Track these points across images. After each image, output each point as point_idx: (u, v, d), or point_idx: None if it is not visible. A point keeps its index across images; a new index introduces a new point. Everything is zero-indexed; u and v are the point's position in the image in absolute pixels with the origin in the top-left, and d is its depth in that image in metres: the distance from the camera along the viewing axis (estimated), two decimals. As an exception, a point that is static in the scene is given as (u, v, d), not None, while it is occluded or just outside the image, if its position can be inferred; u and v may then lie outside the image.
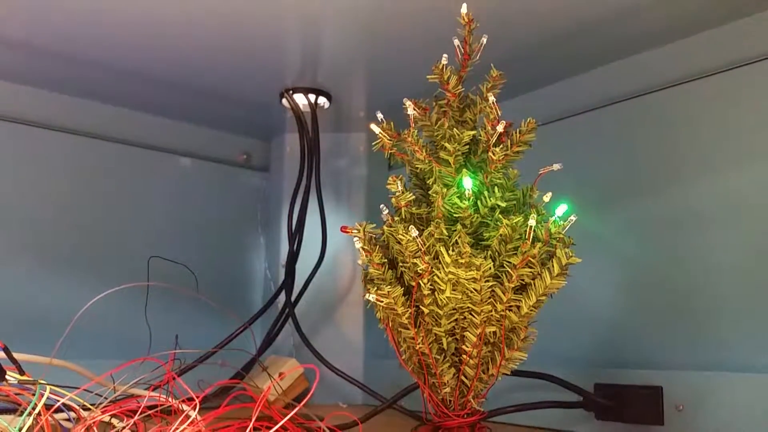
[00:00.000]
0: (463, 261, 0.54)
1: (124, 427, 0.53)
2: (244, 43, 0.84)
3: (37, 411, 0.46)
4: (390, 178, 0.59)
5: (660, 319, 0.78)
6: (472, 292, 0.54)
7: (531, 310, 0.56)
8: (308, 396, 0.53)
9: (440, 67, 0.60)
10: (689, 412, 0.68)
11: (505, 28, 0.77)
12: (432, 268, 0.55)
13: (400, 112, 0.61)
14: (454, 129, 0.59)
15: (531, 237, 0.55)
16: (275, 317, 1.01)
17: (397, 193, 0.59)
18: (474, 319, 0.55)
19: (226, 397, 0.58)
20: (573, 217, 0.56)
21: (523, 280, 0.56)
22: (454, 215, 0.57)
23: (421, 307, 0.57)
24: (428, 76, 0.60)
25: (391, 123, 0.61)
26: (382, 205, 0.60)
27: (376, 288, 0.57)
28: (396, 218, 0.59)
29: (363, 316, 1.11)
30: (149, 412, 0.55)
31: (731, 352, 0.72)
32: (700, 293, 0.75)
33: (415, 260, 0.55)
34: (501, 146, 0.58)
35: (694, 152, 0.78)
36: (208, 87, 0.99)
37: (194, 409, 0.52)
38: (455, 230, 0.56)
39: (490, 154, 0.57)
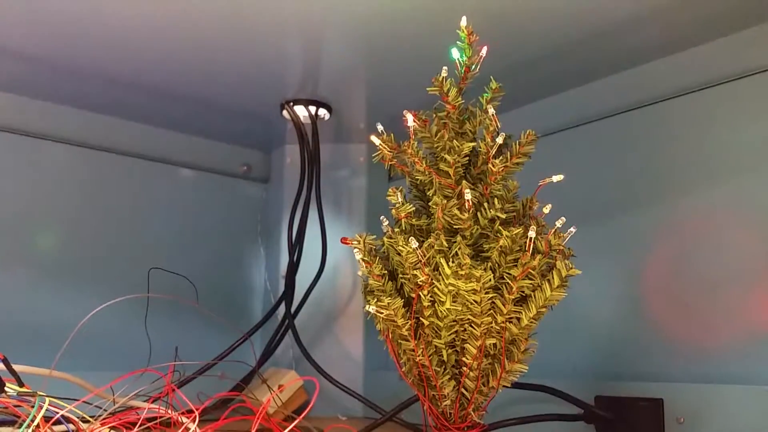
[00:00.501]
0: (463, 272, 0.54)
1: (123, 440, 0.53)
2: (245, 55, 0.85)
3: (36, 423, 0.46)
4: (390, 190, 0.59)
5: (660, 331, 0.78)
6: (472, 303, 0.54)
7: (531, 322, 0.56)
8: (308, 408, 0.53)
9: (440, 79, 0.60)
10: (690, 425, 0.68)
11: (505, 41, 0.78)
12: (432, 279, 0.55)
13: (400, 123, 0.61)
14: (454, 141, 0.59)
15: (531, 248, 0.55)
16: (275, 329, 1.01)
17: (397, 205, 0.59)
18: (474, 330, 0.55)
19: (225, 410, 0.58)
20: (573, 229, 0.56)
21: (523, 291, 0.56)
22: (454, 227, 0.57)
23: (421, 318, 0.56)
24: (428, 89, 0.60)
25: (392, 134, 0.62)
26: (382, 217, 0.61)
27: (376, 299, 0.57)
28: (396, 229, 0.59)
29: (363, 328, 1.11)
30: (149, 424, 0.55)
31: (732, 364, 0.72)
32: (700, 305, 0.75)
33: (415, 272, 0.55)
34: (500, 158, 0.58)
35: (693, 163, 0.78)
36: (208, 98, 0.99)
37: (194, 422, 0.52)
38: (455, 242, 0.56)
39: (490, 165, 0.58)
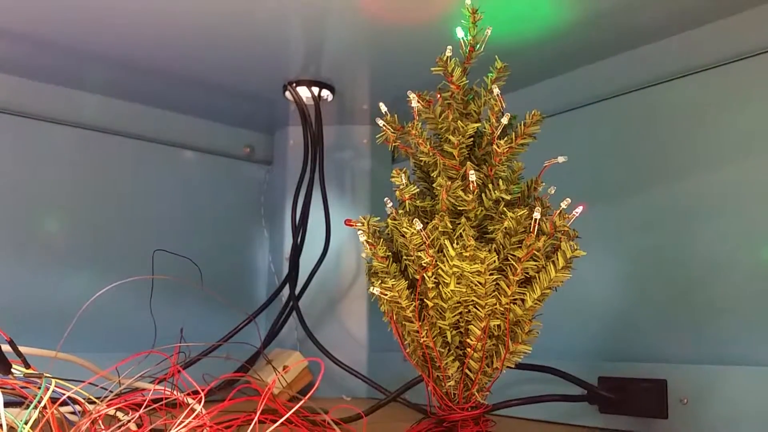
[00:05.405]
0: (467, 254, 0.54)
1: (129, 421, 0.53)
2: (248, 36, 0.84)
3: (42, 404, 0.46)
4: (394, 171, 0.59)
5: (664, 312, 0.78)
6: (476, 285, 0.54)
7: (535, 304, 0.56)
8: (313, 389, 0.53)
9: (444, 59, 0.59)
10: (693, 406, 0.68)
11: (509, 20, 0.77)
12: (436, 261, 0.55)
13: (404, 104, 0.61)
14: (459, 121, 0.58)
15: (536, 230, 0.54)
16: (279, 310, 1.01)
17: (401, 186, 0.58)
18: (478, 312, 0.55)
19: (231, 390, 0.58)
20: (579, 209, 0.56)
21: (527, 273, 0.55)
22: (459, 208, 0.57)
23: (425, 300, 0.56)
24: (432, 69, 0.60)
25: (395, 115, 0.61)
26: (386, 198, 0.60)
27: (380, 281, 0.57)
28: (400, 211, 0.59)
29: (367, 310, 1.11)
30: (154, 405, 0.56)
31: (735, 345, 0.72)
32: (704, 286, 0.75)
33: (419, 253, 0.55)
34: (505, 138, 0.57)
35: (697, 145, 0.78)
36: (211, 80, 0.99)
37: (199, 403, 0.52)
38: (459, 223, 0.56)
39: (495, 146, 0.57)
